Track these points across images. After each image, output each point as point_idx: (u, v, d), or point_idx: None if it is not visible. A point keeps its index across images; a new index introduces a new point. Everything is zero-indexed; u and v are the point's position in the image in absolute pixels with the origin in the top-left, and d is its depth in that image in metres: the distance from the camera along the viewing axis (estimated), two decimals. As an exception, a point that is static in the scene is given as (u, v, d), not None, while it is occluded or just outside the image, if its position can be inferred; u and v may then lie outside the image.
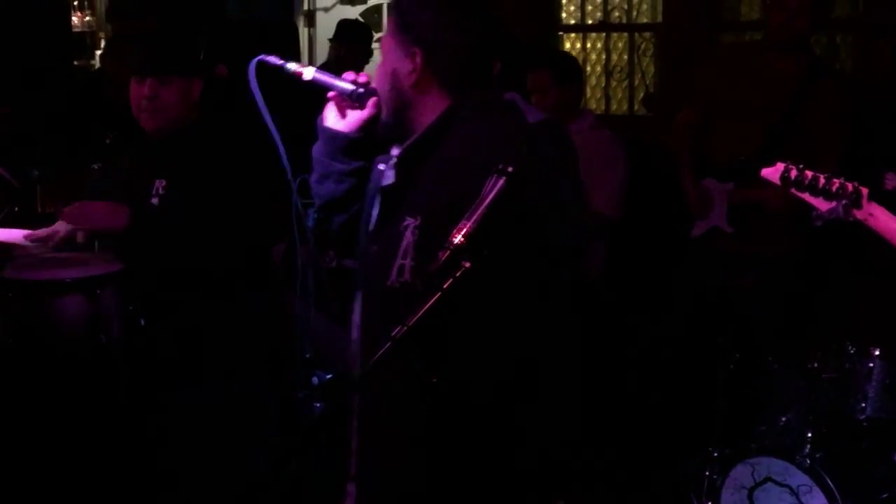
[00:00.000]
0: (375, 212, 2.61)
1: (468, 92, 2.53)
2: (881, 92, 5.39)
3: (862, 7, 5.66)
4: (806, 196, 2.67)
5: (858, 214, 2.61)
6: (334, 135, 2.65)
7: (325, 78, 2.61)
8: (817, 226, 2.64)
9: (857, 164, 4.43)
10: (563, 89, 4.87)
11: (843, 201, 2.60)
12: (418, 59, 2.49)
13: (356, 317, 2.67)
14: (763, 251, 4.64)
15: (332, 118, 2.66)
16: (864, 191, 2.62)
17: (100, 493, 3.56)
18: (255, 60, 2.56)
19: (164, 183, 3.60)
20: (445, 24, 2.50)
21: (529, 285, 2.45)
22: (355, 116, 2.62)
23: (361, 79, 2.61)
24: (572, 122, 4.84)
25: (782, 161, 2.72)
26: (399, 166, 2.55)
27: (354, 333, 2.69)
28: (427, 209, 2.46)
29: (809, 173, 2.66)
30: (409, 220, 2.48)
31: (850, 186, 2.61)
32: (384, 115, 2.59)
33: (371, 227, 2.62)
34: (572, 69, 5.04)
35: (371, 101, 2.59)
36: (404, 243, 2.48)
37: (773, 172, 2.73)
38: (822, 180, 2.64)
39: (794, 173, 2.67)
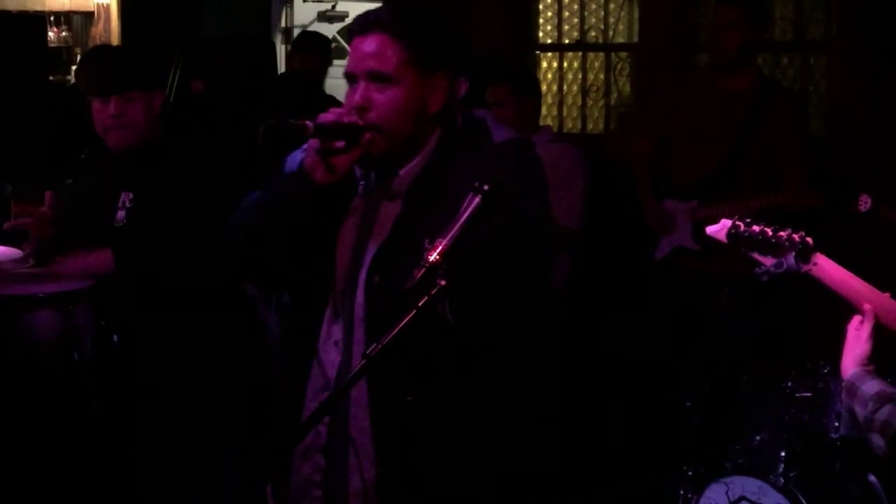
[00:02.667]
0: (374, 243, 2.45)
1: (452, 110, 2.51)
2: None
3: (836, 29, 5.70)
4: (755, 255, 2.57)
5: (804, 266, 2.54)
6: (313, 184, 2.41)
7: (330, 117, 2.40)
8: (763, 281, 2.57)
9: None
10: (521, 103, 4.98)
11: (793, 253, 2.52)
12: (446, 84, 2.48)
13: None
14: (729, 269, 4.68)
15: (314, 166, 2.41)
16: (810, 241, 2.54)
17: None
18: (262, 130, 2.32)
19: (130, 196, 3.60)
20: (462, 46, 2.55)
21: (504, 303, 2.38)
22: (342, 161, 2.41)
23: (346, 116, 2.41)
24: (531, 136, 4.94)
25: (727, 218, 2.64)
26: (408, 195, 2.45)
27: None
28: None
29: (756, 227, 2.58)
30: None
31: (796, 237, 2.54)
32: (381, 149, 2.43)
33: (369, 258, 2.45)
34: (530, 84, 5.18)
35: (366, 138, 2.42)
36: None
37: (718, 230, 2.65)
38: (769, 233, 2.56)
39: (741, 228, 2.59)
